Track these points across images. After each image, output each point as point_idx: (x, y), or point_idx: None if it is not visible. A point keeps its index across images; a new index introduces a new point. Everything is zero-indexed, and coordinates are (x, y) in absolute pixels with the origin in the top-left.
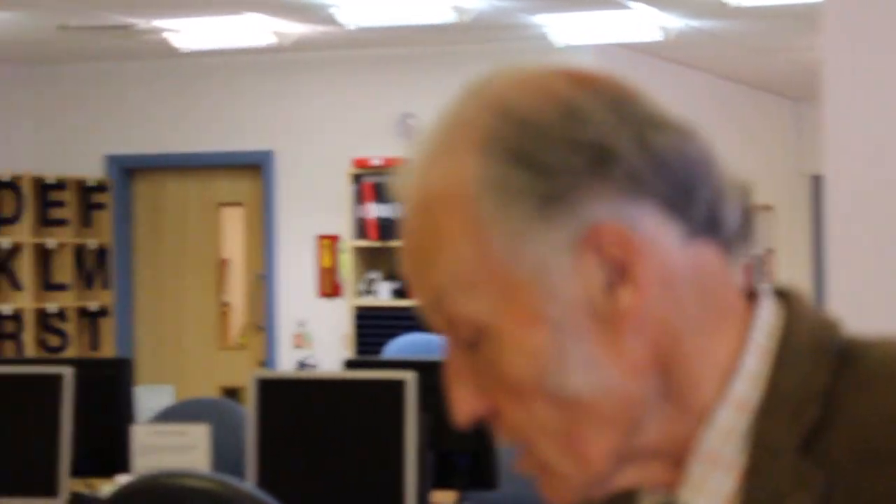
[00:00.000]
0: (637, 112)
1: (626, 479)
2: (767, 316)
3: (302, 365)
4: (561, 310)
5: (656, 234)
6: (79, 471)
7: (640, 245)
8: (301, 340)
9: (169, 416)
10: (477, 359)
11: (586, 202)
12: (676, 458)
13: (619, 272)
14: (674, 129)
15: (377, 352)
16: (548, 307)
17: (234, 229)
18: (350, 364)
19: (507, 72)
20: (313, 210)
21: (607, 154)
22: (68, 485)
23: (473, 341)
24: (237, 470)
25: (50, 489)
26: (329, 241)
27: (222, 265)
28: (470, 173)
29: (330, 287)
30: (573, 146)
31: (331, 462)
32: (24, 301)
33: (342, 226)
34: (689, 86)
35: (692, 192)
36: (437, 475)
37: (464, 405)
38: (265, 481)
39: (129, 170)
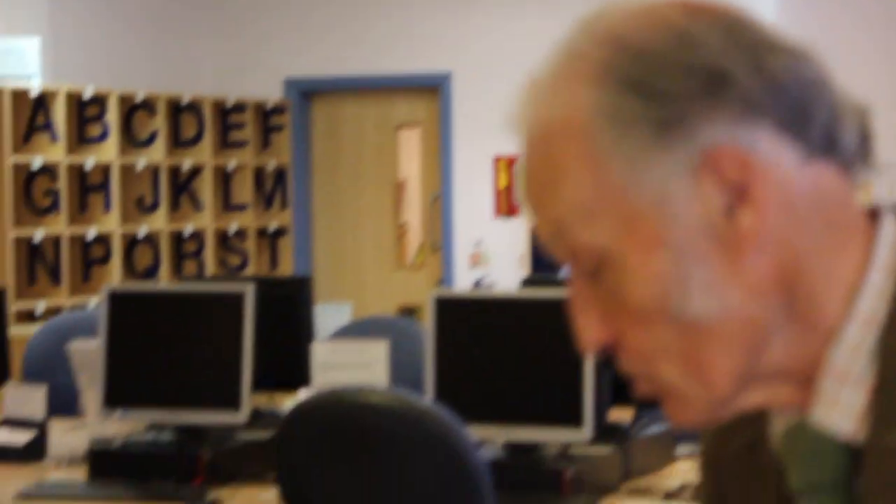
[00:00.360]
0: (751, 36)
1: (753, 400)
2: (891, 232)
3: (478, 284)
4: (681, 234)
5: (774, 155)
6: (260, 386)
7: (758, 166)
8: (477, 260)
9: (347, 333)
10: (600, 287)
11: (702, 126)
12: (805, 378)
13: (738, 194)
14: (788, 52)
15: (553, 271)
16: (668, 232)
17: (411, 150)
18: (527, 282)
19: (619, 4)
20: (490, 131)
21: (722, 77)
22: (250, 400)
23: (596, 270)
24: (414, 387)
25: (233, 403)
26: (506, 162)
27: (399, 186)
28: (585, 104)
29: (506, 207)
30: (687, 71)
31: (508, 379)
32: (205, 221)
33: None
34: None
35: (808, 114)
36: (615, 392)
37: (589, 333)
38: (443, 398)
39: (308, 92)
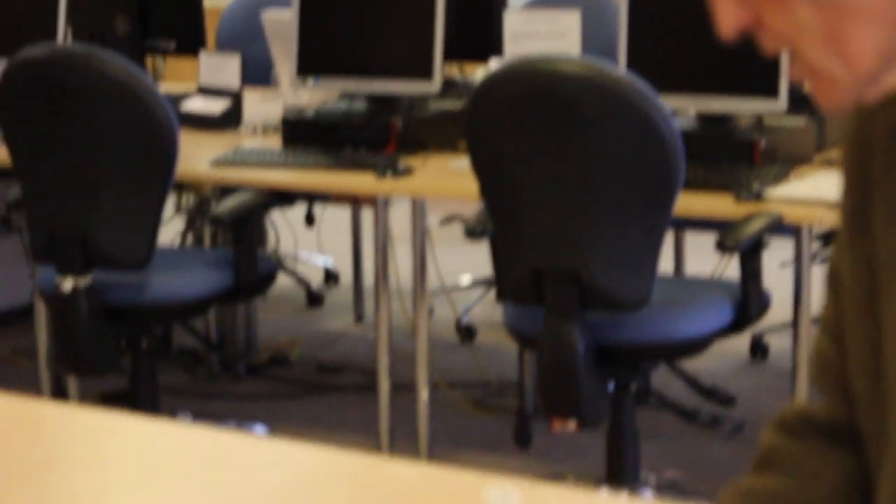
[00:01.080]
0: None
1: None
2: None
3: None
4: None
5: None
6: (452, 56)
7: None
8: None
9: (539, 3)
10: None
11: None
12: None
13: None
14: None
15: None
16: None
17: None
18: None
19: None
20: None
21: None
22: (442, 69)
23: None
24: (606, 59)
25: (425, 72)
26: None
27: None
28: None
29: None
30: None
31: (701, 49)
32: None
33: None
34: None
35: None
36: None
37: (727, 17)
38: (636, 68)
39: None
